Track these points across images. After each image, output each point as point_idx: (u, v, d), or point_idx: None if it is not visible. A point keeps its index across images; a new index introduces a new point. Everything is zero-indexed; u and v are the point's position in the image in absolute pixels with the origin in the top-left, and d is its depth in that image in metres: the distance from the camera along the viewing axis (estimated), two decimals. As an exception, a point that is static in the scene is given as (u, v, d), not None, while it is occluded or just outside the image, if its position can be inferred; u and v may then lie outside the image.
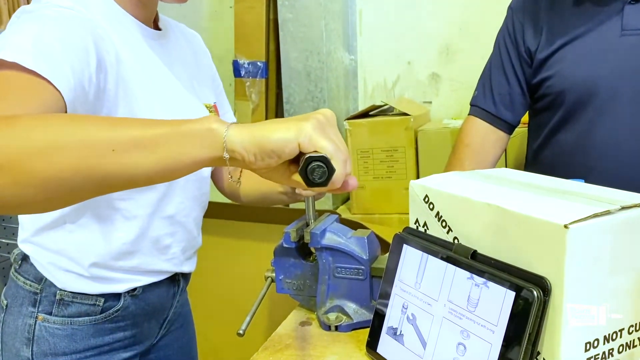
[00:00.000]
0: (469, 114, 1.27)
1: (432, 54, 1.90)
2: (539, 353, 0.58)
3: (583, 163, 1.07)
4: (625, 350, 0.60)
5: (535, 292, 0.56)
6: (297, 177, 0.58)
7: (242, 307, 1.04)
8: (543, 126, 1.15)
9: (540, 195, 0.65)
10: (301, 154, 0.57)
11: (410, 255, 0.73)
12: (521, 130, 1.46)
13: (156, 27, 0.98)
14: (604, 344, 0.58)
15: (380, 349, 0.75)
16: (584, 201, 0.61)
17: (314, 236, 0.84)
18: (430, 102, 1.93)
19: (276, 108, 2.01)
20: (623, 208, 0.58)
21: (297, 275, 0.90)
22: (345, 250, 0.84)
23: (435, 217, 0.72)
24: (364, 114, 1.76)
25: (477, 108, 1.24)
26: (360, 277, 0.84)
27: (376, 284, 0.84)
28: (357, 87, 1.99)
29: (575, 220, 0.55)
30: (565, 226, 0.54)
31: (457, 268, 0.66)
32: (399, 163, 1.69)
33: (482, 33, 1.81)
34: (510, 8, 1.23)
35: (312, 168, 0.55)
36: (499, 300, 0.60)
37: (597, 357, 0.58)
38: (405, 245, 0.74)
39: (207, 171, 1.04)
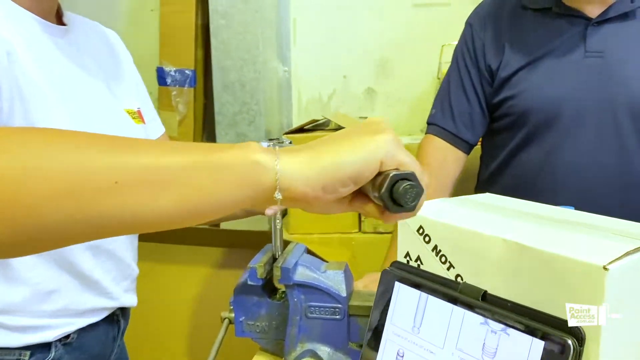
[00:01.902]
0: (427, 133, 1.23)
1: (368, 68, 1.86)
2: (570, 409, 0.51)
3: (547, 184, 1.05)
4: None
5: (570, 342, 0.49)
6: (368, 206, 0.48)
7: (193, 350, 0.91)
8: (503, 146, 1.12)
9: (554, 228, 0.59)
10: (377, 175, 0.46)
11: (404, 294, 0.65)
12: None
13: (60, 23, 0.84)
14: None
15: (369, 402, 0.66)
16: (606, 235, 0.56)
17: (285, 272, 0.74)
18: (366, 118, 1.88)
19: (203, 119, 1.87)
20: (651, 243, 0.53)
21: (261, 316, 0.79)
22: (320, 287, 0.74)
23: (432, 251, 0.64)
24: (301, 129, 1.68)
25: (436, 127, 1.19)
26: (337, 316, 0.75)
27: (354, 324, 0.75)
28: (291, 100, 1.91)
29: (612, 260, 0.49)
30: (605, 267, 0.49)
31: (467, 311, 0.58)
32: (340, 180, 1.62)
33: (418, 49, 1.80)
34: (468, 24, 1.20)
35: (404, 189, 0.45)
36: (523, 351, 0.53)
37: (628, 409, 0.53)
38: (397, 283, 0.66)
39: None
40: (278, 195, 0.43)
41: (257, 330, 0.80)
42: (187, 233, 1.68)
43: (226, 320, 0.81)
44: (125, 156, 0.39)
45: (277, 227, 0.78)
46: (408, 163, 0.46)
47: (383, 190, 0.45)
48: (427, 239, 0.65)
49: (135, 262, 0.91)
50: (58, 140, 0.39)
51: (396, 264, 0.68)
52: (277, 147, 0.45)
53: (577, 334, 0.50)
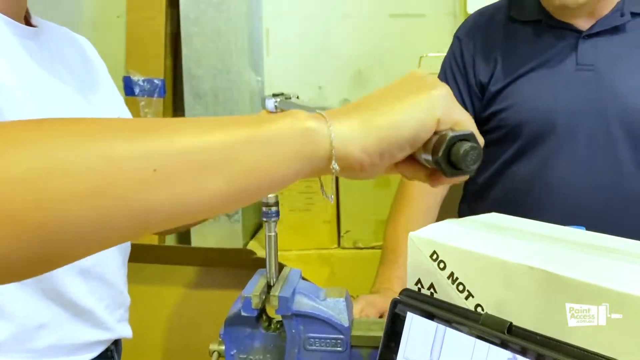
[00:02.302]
0: None
1: (344, 79, 1.82)
2: None
3: (538, 198, 1.03)
4: None
5: (612, 381, 0.45)
6: (415, 168, 0.46)
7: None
8: (493, 160, 1.10)
9: (583, 254, 0.56)
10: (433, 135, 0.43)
11: (418, 326, 0.60)
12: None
13: (29, 25, 0.78)
14: None
15: None
16: (637, 262, 0.53)
17: (283, 301, 0.68)
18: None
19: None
20: (686, 270, 0.50)
21: (255, 349, 0.73)
22: (320, 316, 0.69)
23: (448, 278, 0.60)
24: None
25: None
26: (339, 348, 0.69)
27: (356, 356, 0.70)
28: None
29: (656, 290, 0.46)
30: (650, 299, 0.45)
31: (491, 345, 0.54)
32: (319, 195, 1.57)
33: (394, 59, 1.78)
34: (457, 38, 1.17)
35: (464, 152, 0.42)
36: (559, 390, 0.48)
37: None
38: (410, 314, 0.61)
39: None
40: (335, 166, 0.40)
41: (250, 365, 0.73)
42: (157, 252, 1.59)
43: (215, 354, 0.74)
44: (160, 140, 0.34)
45: (272, 251, 0.72)
46: (465, 121, 0.43)
47: (440, 153, 0.42)
48: (442, 265, 0.60)
49: (126, 288, 0.84)
50: (77, 131, 0.33)
51: (407, 292, 0.63)
52: (317, 111, 0.42)
53: (619, 372, 0.46)
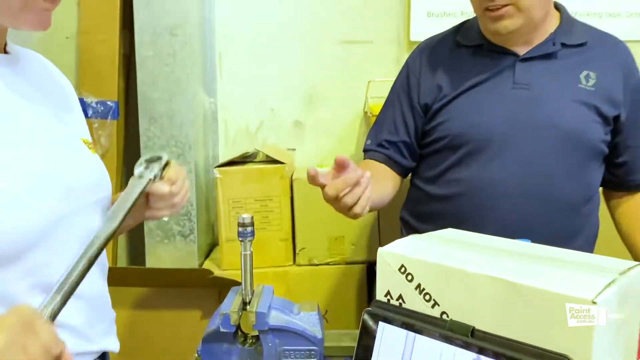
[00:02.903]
0: (363, 160, 1.26)
1: (296, 101, 1.87)
2: None
3: (477, 203, 1.11)
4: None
5: (565, 374, 0.52)
6: None
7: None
8: (435, 168, 1.17)
9: (532, 263, 0.63)
10: None
11: (390, 334, 0.65)
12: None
13: (3, 52, 0.79)
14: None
15: None
16: (581, 269, 0.60)
17: (261, 317, 0.72)
18: (294, 149, 1.89)
19: (124, 153, 1.79)
20: (620, 274, 0.58)
21: (232, 364, 0.76)
22: (295, 330, 0.73)
23: (416, 289, 0.65)
24: (232, 162, 1.65)
25: (371, 152, 1.25)
26: (313, 359, 0.74)
27: (329, 366, 0.74)
28: (218, 132, 1.87)
29: (598, 293, 0.53)
30: (594, 301, 0.52)
31: (457, 348, 0.60)
32: (274, 213, 1.61)
33: (344, 83, 1.85)
34: (407, 64, 1.26)
35: None
36: (519, 384, 0.55)
37: None
38: (382, 323, 0.66)
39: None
40: None
41: (227, 379, 0.76)
42: (110, 274, 1.57)
43: (192, 370, 0.76)
44: None
45: (248, 269, 0.76)
46: None
47: None
48: (409, 277, 0.66)
49: (109, 302, 0.85)
50: None
51: (378, 303, 0.68)
52: None
53: (570, 366, 0.53)
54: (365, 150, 1.27)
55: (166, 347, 1.61)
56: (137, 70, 1.58)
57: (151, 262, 1.67)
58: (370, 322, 0.67)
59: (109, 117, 1.61)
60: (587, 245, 1.15)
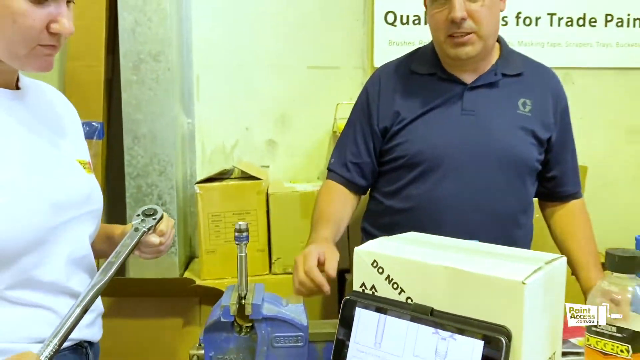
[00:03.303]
0: (327, 178, 1.40)
1: (269, 121, 2.01)
2: (504, 391, 0.69)
3: (431, 214, 1.26)
4: (552, 378, 0.75)
5: (502, 339, 0.67)
6: None
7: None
8: (394, 184, 1.32)
9: (477, 256, 0.78)
10: None
11: (365, 317, 0.79)
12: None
13: (17, 87, 0.94)
14: (542, 375, 0.73)
15: (338, 412, 0.78)
16: (515, 260, 0.76)
17: (256, 307, 0.85)
18: (268, 167, 2.02)
19: (106, 171, 1.88)
20: (546, 263, 0.74)
21: (230, 350, 0.88)
22: (285, 318, 0.86)
23: (386, 280, 0.80)
24: (211, 178, 1.78)
25: (334, 173, 1.38)
26: (299, 344, 0.87)
27: (313, 350, 0.88)
28: (195, 150, 1.99)
29: (527, 276, 0.68)
30: (523, 282, 0.67)
31: (420, 325, 0.74)
32: (251, 226, 1.72)
33: (315, 104, 2.00)
34: (365, 89, 1.39)
35: None
36: (468, 350, 0.69)
37: (541, 387, 0.72)
38: (358, 309, 0.80)
39: (85, 238, 0.98)
40: None
41: (226, 364, 0.89)
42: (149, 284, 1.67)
43: (195, 357, 0.88)
44: None
45: (243, 268, 0.89)
46: None
47: None
48: (380, 270, 0.80)
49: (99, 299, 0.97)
50: None
51: (355, 293, 0.82)
52: None
53: (507, 334, 0.68)
54: (329, 169, 1.41)
55: (150, 354, 1.70)
56: (122, 93, 1.69)
57: (134, 273, 1.76)
58: (349, 309, 0.81)
59: (95, 137, 1.71)
60: (524, 248, 1.32)
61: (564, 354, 0.91)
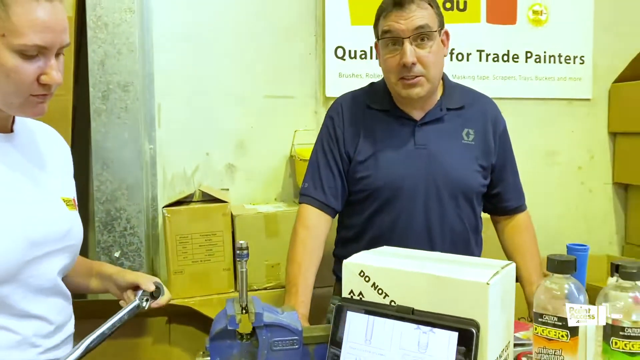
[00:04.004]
0: (300, 202, 1.52)
1: (228, 146, 2.13)
2: (474, 372, 0.85)
3: (397, 241, 1.40)
4: (509, 361, 0.92)
5: (474, 330, 0.84)
6: None
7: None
8: (361, 213, 1.47)
9: (446, 264, 0.95)
10: None
11: (355, 320, 0.93)
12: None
13: (12, 129, 1.04)
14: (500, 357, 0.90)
15: (335, 402, 0.91)
16: (477, 266, 0.93)
17: (259, 316, 0.97)
18: (228, 190, 2.13)
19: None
20: (502, 268, 0.92)
21: (233, 356, 0.99)
22: (282, 324, 0.98)
23: (372, 287, 0.95)
24: (177, 202, 1.86)
25: (309, 197, 1.50)
26: (295, 346, 0.99)
27: (306, 351, 1.01)
28: (157, 175, 2.07)
29: (490, 278, 0.85)
30: (487, 283, 0.84)
31: (404, 322, 0.89)
32: (217, 246, 1.83)
33: (272, 131, 2.13)
34: (329, 116, 1.53)
35: None
36: (445, 341, 0.85)
37: (501, 368, 0.89)
38: (349, 312, 0.94)
39: (57, 269, 1.07)
40: None
41: (229, 368, 0.99)
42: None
43: (201, 363, 0.99)
44: None
45: (244, 282, 1.00)
46: None
47: None
48: (367, 279, 0.95)
49: (72, 322, 1.08)
50: None
51: (345, 299, 0.97)
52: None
53: (476, 326, 0.84)
54: (303, 194, 1.51)
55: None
56: (91, 122, 1.75)
57: (103, 295, 1.80)
58: (341, 313, 0.95)
59: (62, 164, 1.76)
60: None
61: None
